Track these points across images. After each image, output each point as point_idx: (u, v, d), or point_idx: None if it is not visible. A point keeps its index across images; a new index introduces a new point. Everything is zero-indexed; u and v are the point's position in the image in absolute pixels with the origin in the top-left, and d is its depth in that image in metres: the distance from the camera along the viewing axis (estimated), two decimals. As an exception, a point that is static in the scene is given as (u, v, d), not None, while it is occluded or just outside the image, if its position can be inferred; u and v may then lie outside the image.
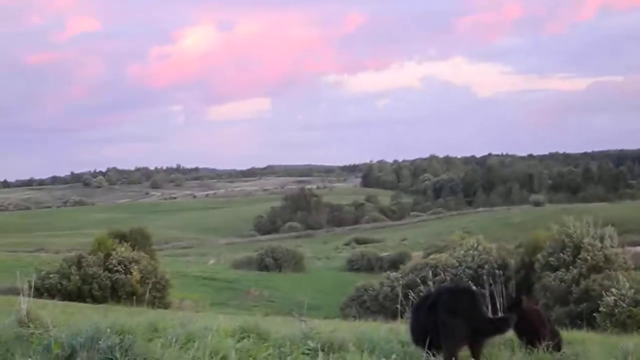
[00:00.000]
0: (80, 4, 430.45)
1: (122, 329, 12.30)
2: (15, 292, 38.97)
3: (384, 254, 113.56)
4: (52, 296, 51.56)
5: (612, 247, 52.06)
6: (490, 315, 12.88)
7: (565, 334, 17.28)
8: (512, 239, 71.00)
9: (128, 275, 61.17)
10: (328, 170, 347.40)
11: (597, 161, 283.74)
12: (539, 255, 54.26)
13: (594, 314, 44.67)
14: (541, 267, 53.41)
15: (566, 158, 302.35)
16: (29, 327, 14.19)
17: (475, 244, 63.92)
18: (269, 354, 11.89)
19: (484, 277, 52.61)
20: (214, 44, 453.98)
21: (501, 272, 54.37)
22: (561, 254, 52.31)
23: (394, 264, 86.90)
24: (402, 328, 17.29)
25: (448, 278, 55.74)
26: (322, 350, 11.82)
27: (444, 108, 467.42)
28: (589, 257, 50.79)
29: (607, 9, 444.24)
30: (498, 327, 12.00)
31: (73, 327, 13.81)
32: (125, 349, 11.03)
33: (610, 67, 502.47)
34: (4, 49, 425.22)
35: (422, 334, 11.75)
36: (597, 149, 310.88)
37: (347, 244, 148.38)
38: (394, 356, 11.41)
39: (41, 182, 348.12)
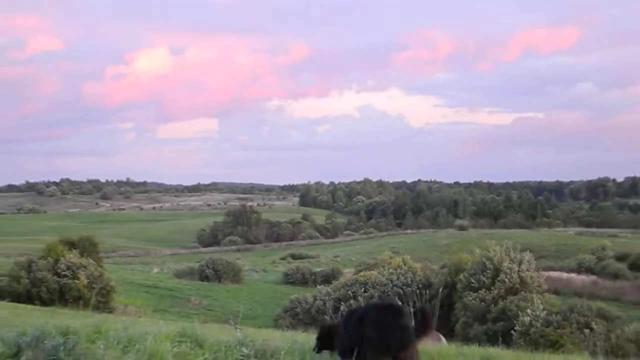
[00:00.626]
0: (46, 24, 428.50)
1: (67, 331, 12.28)
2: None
3: (318, 269, 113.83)
4: (1, 297, 51.31)
5: (528, 271, 52.52)
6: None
7: (483, 350, 17.45)
8: (438, 259, 71.38)
9: (75, 280, 60.92)
10: (268, 189, 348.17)
11: (517, 191, 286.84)
12: (461, 276, 54.51)
13: (511, 332, 45.08)
14: (463, 287, 53.65)
15: (490, 187, 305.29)
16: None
17: (402, 264, 64.24)
18: (204, 359, 11.92)
19: (410, 294, 52.98)
20: (166, 66, 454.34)
21: (426, 290, 54.96)
22: (481, 276, 52.61)
23: (327, 278, 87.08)
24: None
25: (376, 294, 55.84)
26: (255, 357, 11.87)
27: (379, 135, 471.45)
28: (507, 280, 51.18)
29: (531, 51, 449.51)
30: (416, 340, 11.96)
31: (20, 327, 13.78)
32: (69, 349, 11.02)
33: (533, 104, 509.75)
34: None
35: (349, 346, 11.83)
36: (518, 179, 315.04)
37: (283, 259, 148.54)
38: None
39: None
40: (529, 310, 46.35)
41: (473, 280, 53.00)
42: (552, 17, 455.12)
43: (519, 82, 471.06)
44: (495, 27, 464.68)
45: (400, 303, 21.46)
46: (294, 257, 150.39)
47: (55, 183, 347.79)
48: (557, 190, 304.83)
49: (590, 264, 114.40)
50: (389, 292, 55.53)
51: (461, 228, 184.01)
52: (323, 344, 12.40)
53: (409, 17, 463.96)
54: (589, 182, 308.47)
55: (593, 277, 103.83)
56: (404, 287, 56.08)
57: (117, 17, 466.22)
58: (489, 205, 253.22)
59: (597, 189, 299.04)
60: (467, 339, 36.01)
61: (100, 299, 59.78)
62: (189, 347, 13.07)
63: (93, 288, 60.08)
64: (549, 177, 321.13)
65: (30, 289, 59.75)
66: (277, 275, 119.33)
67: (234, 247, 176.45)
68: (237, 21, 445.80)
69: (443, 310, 54.25)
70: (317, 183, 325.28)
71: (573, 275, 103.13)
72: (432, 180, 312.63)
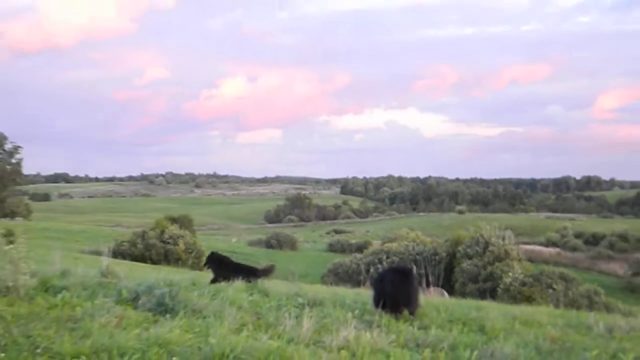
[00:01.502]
0: (155, 57, 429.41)
1: (171, 283, 12.44)
2: (99, 253, 39.10)
3: (353, 241, 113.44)
4: (123, 257, 51.86)
5: (509, 244, 52.39)
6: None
7: (476, 302, 17.42)
8: (442, 235, 71.11)
9: (176, 246, 61.53)
10: (317, 182, 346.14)
11: (502, 185, 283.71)
12: (459, 248, 54.47)
13: (496, 289, 45.11)
14: (461, 255, 53.57)
15: (482, 182, 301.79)
16: (107, 278, 14.30)
17: (416, 238, 64.00)
18: (270, 305, 11.97)
19: (421, 261, 52.89)
20: (244, 90, 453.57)
21: (434, 257, 54.91)
22: (475, 247, 52.53)
23: (360, 248, 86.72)
24: (363, 292, 17.41)
25: (396, 260, 55.56)
26: (308, 304, 11.91)
27: (400, 143, 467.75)
28: (494, 250, 51.07)
29: (514, 82, 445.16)
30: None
31: (137, 279, 13.96)
32: (173, 296, 11.10)
33: (516, 121, 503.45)
34: (100, 88, 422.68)
35: (377, 299, 11.83)
36: (503, 176, 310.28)
37: (328, 233, 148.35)
38: (356, 310, 11.53)
39: (120, 179, 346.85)
40: (510, 274, 46.98)
41: (469, 251, 52.92)
42: (530, 57, 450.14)
43: (505, 104, 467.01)
44: (488, 63, 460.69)
45: (414, 267, 21.35)
46: (336, 232, 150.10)
47: (162, 175, 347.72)
48: (532, 185, 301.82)
49: (556, 240, 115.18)
50: (406, 259, 55.24)
51: (460, 212, 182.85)
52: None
53: (425, 55, 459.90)
54: (555, 179, 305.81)
55: (557, 250, 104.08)
56: (417, 255, 55.90)
57: (210, 53, 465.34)
58: (481, 196, 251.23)
59: (561, 185, 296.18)
60: (463, 295, 36.00)
61: (194, 260, 60.31)
62: (259, 297, 13.16)
63: (189, 252, 60.62)
64: (526, 175, 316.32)
65: (143, 252, 60.43)
66: (323, 245, 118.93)
67: (291, 224, 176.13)
68: (297, 57, 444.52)
69: (446, 273, 54.21)
70: (354, 177, 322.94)
71: (542, 248, 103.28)
72: (440, 176, 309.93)
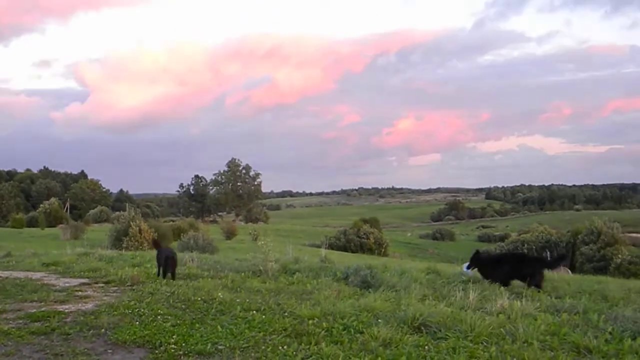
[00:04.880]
0: (350, 107, 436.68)
1: (370, 266, 12.48)
2: (316, 246, 39.97)
3: (496, 233, 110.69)
4: (332, 249, 52.60)
5: (617, 233, 49.80)
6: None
7: (595, 277, 16.50)
8: (564, 228, 67.81)
9: (368, 240, 61.80)
10: (467, 190, 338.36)
11: (609, 189, 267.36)
12: (578, 236, 52.18)
13: (608, 268, 42.92)
14: (579, 242, 51.26)
15: (593, 187, 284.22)
16: (325, 263, 14.56)
17: (544, 230, 61.40)
18: (442, 281, 11.84)
19: (548, 247, 50.77)
20: (412, 127, 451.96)
21: (558, 245, 52.49)
22: (590, 236, 50.22)
23: (502, 238, 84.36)
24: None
25: (528, 247, 53.47)
26: (469, 281, 11.68)
27: (529, 160, 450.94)
28: (605, 238, 48.66)
29: (617, 111, 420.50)
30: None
31: (345, 264, 14.13)
32: (373, 276, 11.18)
33: (618, 140, 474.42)
34: (314, 130, 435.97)
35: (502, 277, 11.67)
36: (609, 182, 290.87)
37: (477, 228, 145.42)
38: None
39: (327, 194, 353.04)
40: (619, 255, 44.76)
41: (585, 238, 50.55)
42: (629, 92, 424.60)
43: (610, 128, 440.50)
44: (596, 98, 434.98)
45: (547, 252, 20.61)
46: (483, 227, 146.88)
47: (356, 189, 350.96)
48: (633, 188, 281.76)
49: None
50: (536, 246, 53.07)
51: (577, 210, 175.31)
52: (473, 264, 12.64)
53: (548, 94, 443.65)
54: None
55: None
56: (545, 242, 53.55)
57: (388, 102, 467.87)
58: (593, 197, 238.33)
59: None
60: (582, 272, 34.18)
61: (381, 249, 60.40)
62: (433, 275, 13.02)
63: (378, 244, 60.85)
64: (628, 181, 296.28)
65: (345, 244, 61.11)
66: (474, 236, 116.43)
67: (449, 222, 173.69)
68: (452, 100, 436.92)
69: (568, 255, 51.76)
70: (495, 186, 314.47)
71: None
72: (560, 183, 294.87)
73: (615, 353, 6.04)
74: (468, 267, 12.81)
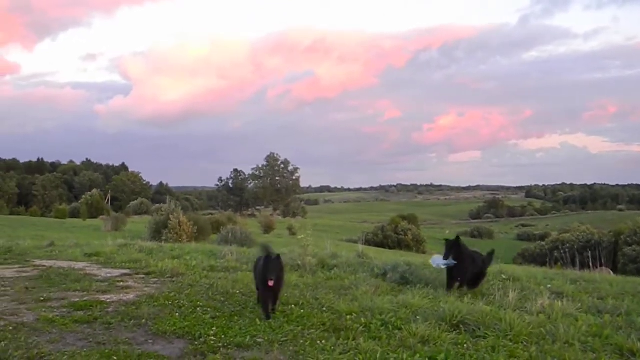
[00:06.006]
0: (391, 102, 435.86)
1: (409, 263, 12.41)
2: (354, 241, 39.94)
3: (537, 232, 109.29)
4: (369, 245, 52.47)
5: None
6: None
7: (638, 279, 16.12)
8: (606, 228, 66.50)
9: (406, 237, 61.60)
10: (507, 189, 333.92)
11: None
12: (621, 237, 51.19)
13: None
14: (622, 243, 50.34)
15: (637, 186, 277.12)
16: (363, 258, 14.54)
17: (586, 229, 60.32)
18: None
19: (589, 247, 49.84)
20: (453, 123, 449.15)
21: (600, 244, 51.49)
22: (634, 237, 49.27)
23: (542, 237, 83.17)
24: (550, 271, 16.65)
25: (570, 246, 52.63)
26: (509, 279, 11.52)
27: (571, 158, 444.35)
28: (648, 239, 47.87)
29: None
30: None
31: (383, 260, 14.09)
32: (411, 273, 11.13)
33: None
34: (354, 125, 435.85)
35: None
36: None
37: (517, 226, 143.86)
38: (548, 285, 11.05)
39: (365, 189, 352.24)
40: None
41: (629, 239, 49.56)
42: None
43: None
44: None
45: (588, 252, 20.02)
46: (523, 225, 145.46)
47: (394, 186, 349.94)
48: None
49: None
50: (577, 246, 52.18)
51: (620, 210, 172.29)
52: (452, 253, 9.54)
53: (592, 92, 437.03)
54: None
55: None
56: (586, 242, 52.57)
57: (430, 98, 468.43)
58: (637, 197, 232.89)
59: None
60: (625, 273, 33.45)
61: (419, 246, 60.15)
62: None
63: (416, 241, 60.64)
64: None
65: (383, 240, 61.12)
66: (513, 235, 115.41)
67: (489, 220, 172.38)
68: (494, 97, 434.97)
69: (610, 256, 50.64)
70: (535, 185, 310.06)
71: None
72: (603, 183, 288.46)
73: (659, 356, 5.93)
74: (444, 258, 9.71)
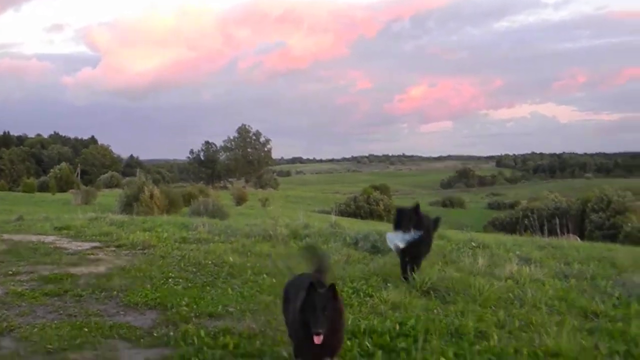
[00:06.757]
0: (363, 73, 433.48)
1: (380, 232, 12.46)
2: (326, 212, 40.14)
3: (506, 201, 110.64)
4: (342, 215, 52.72)
5: (628, 201, 49.69)
6: None
7: (605, 245, 16.45)
8: (574, 196, 67.45)
9: (377, 207, 62.01)
10: (478, 158, 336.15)
11: (621, 157, 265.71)
12: (588, 204, 52.10)
13: (617, 236, 42.82)
14: (589, 210, 51.24)
15: (605, 155, 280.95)
16: (335, 228, 14.61)
17: (554, 198, 61.28)
18: (451, 247, 11.79)
19: (558, 215, 50.67)
20: (425, 93, 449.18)
21: (568, 212, 52.40)
22: (600, 204, 50.18)
23: (512, 206, 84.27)
24: (519, 238, 16.91)
25: (538, 214, 53.37)
26: (479, 247, 11.67)
27: (541, 128, 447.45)
28: (615, 206, 48.61)
29: (633, 78, 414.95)
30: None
31: (355, 230, 14.18)
32: (382, 241, 11.19)
33: (632, 108, 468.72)
34: (325, 96, 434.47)
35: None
36: (621, 151, 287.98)
37: (487, 195, 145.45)
38: (517, 251, 11.23)
39: (337, 160, 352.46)
40: (629, 224, 44.53)
41: (595, 207, 50.46)
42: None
43: (624, 96, 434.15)
44: (611, 66, 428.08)
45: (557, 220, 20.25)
46: (493, 194, 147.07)
47: (366, 157, 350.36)
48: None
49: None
50: (546, 214, 53.01)
51: (588, 179, 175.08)
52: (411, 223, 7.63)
53: (562, 61, 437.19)
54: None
55: None
56: (555, 210, 53.39)
57: (401, 68, 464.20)
58: (604, 166, 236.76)
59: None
60: (592, 239, 34.10)
61: (391, 216, 60.50)
62: (443, 242, 12.97)
63: (388, 211, 60.94)
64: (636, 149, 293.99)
65: (355, 211, 61.35)
66: (483, 204, 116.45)
67: (459, 189, 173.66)
68: (465, 68, 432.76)
69: (577, 223, 51.57)
70: (506, 154, 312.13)
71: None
72: (571, 151, 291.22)
73: (622, 317, 6.09)
74: (400, 229, 7.78)
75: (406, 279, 7.72)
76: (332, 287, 4.13)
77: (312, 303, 4.02)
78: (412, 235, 7.62)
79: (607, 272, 9.22)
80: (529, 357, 4.63)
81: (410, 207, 8.03)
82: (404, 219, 7.76)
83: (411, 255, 7.85)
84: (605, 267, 9.93)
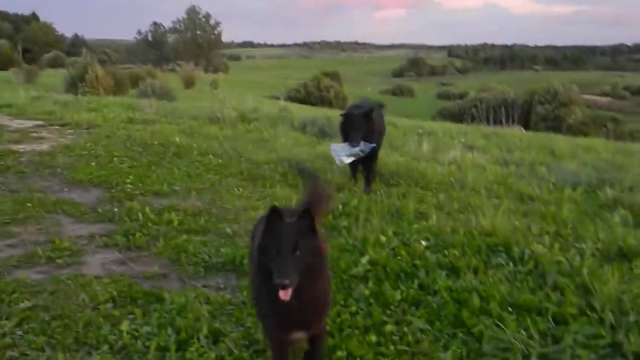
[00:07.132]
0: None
1: (328, 117, 12.51)
2: (276, 97, 39.87)
3: (456, 91, 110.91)
4: (292, 101, 52.31)
5: (573, 94, 50.69)
6: None
7: (546, 135, 16.83)
8: (523, 88, 68.18)
9: (328, 93, 61.76)
10: (430, 47, 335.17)
11: (570, 50, 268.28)
12: (535, 96, 52.92)
13: (561, 127, 43.95)
14: (536, 102, 52.06)
15: (555, 48, 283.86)
16: (284, 113, 14.58)
17: (503, 89, 61.90)
18: (398, 134, 11.97)
19: (506, 106, 51.52)
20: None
21: (515, 103, 53.24)
22: (546, 96, 51.07)
23: (461, 96, 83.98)
24: (465, 127, 17.17)
25: (487, 105, 54.04)
26: (425, 134, 11.85)
27: (493, 19, 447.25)
28: (561, 99, 49.57)
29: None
30: None
31: (304, 115, 14.18)
32: (329, 126, 11.27)
33: (585, 1, 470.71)
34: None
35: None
36: (571, 44, 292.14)
37: (437, 85, 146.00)
38: (462, 138, 11.44)
39: (289, 46, 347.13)
40: (572, 116, 45.65)
41: (542, 99, 51.38)
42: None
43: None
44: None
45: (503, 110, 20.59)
46: (443, 84, 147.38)
47: (318, 43, 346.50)
48: (593, 50, 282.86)
49: (608, 91, 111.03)
50: (494, 105, 53.70)
51: (536, 71, 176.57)
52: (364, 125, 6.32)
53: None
54: (613, 45, 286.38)
55: (609, 98, 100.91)
56: (503, 101, 54.15)
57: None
58: (553, 58, 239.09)
59: (616, 50, 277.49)
60: (536, 130, 34.94)
61: (341, 103, 60.64)
62: (390, 128, 13.08)
63: (339, 98, 60.82)
64: (589, 43, 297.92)
65: (305, 97, 60.87)
66: (433, 94, 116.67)
67: (410, 78, 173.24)
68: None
69: (524, 115, 52.62)
70: (457, 44, 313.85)
71: (598, 97, 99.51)
72: (522, 43, 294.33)
73: (555, 201, 6.32)
74: (347, 140, 6.44)
75: (356, 180, 6.87)
76: (306, 213, 2.45)
77: (276, 239, 2.39)
78: (361, 148, 6.30)
79: (546, 159, 9.52)
80: (464, 236, 4.78)
81: (360, 111, 6.46)
82: (353, 127, 6.38)
83: (363, 168, 6.77)
84: (545, 155, 10.25)
